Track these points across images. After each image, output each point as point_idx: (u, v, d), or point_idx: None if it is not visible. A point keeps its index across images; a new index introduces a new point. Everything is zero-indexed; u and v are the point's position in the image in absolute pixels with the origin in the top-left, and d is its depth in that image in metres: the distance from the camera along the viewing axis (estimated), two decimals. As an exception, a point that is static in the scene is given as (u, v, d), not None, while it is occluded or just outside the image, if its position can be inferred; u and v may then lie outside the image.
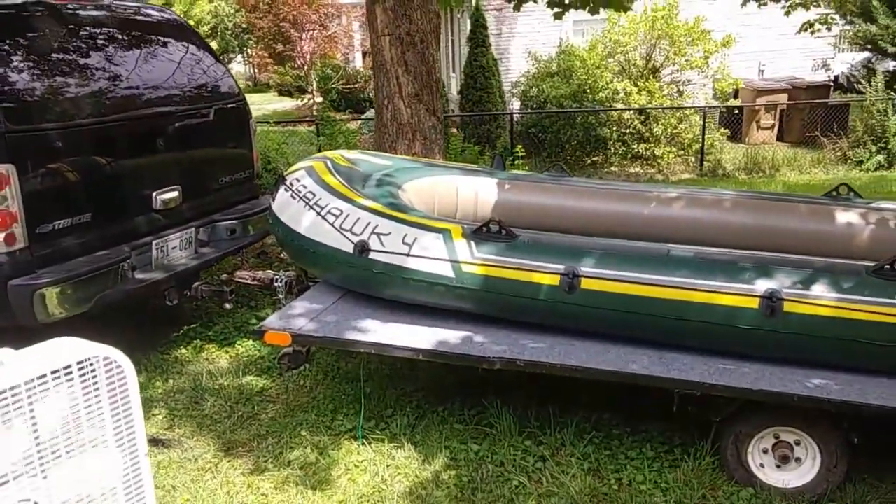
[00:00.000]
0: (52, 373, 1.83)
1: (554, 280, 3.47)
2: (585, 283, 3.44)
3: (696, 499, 3.41)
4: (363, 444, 3.89)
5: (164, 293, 4.82)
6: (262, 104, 21.96)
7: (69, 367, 1.85)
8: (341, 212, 3.89)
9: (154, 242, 4.74)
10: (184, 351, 5.06)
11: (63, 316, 4.13)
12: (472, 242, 3.63)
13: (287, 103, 21.64)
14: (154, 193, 4.75)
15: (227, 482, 3.63)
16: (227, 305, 5.19)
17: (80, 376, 1.88)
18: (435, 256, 3.63)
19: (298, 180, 4.21)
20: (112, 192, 4.50)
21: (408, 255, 3.67)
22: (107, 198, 4.46)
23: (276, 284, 4.73)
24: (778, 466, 3.42)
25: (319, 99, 17.61)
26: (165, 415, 4.28)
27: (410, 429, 4.00)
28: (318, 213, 3.94)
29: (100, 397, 1.92)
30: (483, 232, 3.66)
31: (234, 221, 5.26)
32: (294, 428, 4.07)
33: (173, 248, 4.88)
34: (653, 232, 4.39)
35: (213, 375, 4.68)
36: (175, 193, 4.88)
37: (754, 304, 3.26)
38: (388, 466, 3.70)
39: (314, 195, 4.03)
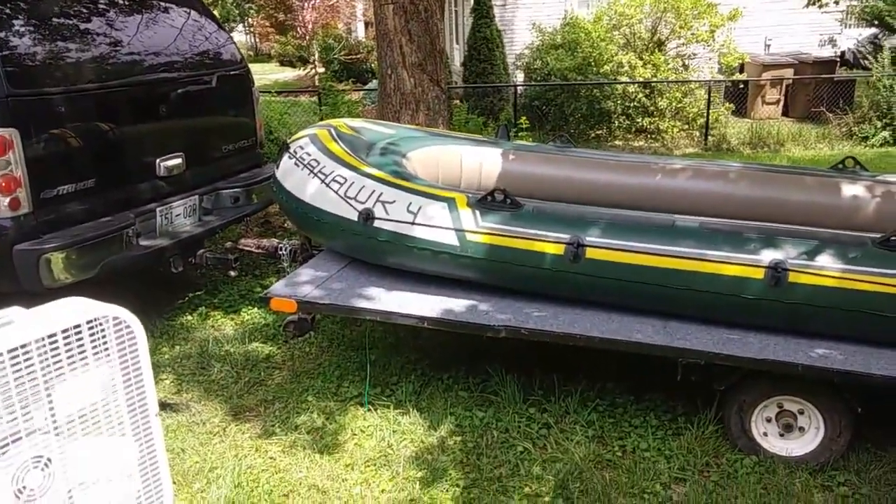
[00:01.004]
0: (63, 332, 1.84)
1: (559, 249, 3.47)
2: (590, 253, 3.44)
3: (699, 466, 3.44)
4: (369, 410, 3.92)
5: (169, 260, 4.83)
6: (263, 74, 21.82)
7: (79, 326, 1.85)
8: (346, 180, 3.88)
9: (158, 209, 4.74)
10: (189, 318, 5.08)
11: (69, 281, 4.15)
12: (477, 211, 3.63)
13: (289, 73, 21.49)
14: (157, 160, 4.74)
15: (236, 445, 3.66)
16: (232, 273, 5.20)
17: (90, 335, 1.88)
18: (439, 225, 3.63)
19: (302, 148, 4.20)
20: (116, 159, 4.49)
21: (412, 223, 3.67)
22: (111, 164, 4.45)
23: (280, 252, 4.74)
24: (781, 435, 3.44)
25: (321, 69, 17.48)
26: (173, 380, 4.30)
27: (416, 396, 4.02)
28: (323, 181, 3.92)
29: (110, 356, 1.92)
30: (488, 201, 3.65)
31: (237, 189, 5.26)
32: (300, 394, 4.10)
33: (177, 215, 4.88)
34: (658, 203, 4.38)
35: (219, 342, 4.71)
36: (178, 160, 4.87)
37: (759, 274, 3.26)
38: (394, 432, 3.73)
39: (318, 163, 4.02)
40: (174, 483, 3.34)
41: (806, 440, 3.41)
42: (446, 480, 3.37)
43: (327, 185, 3.91)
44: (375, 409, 3.91)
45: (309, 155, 4.12)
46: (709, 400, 3.64)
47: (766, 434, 3.46)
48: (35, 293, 4.08)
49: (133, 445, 2.00)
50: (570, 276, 3.51)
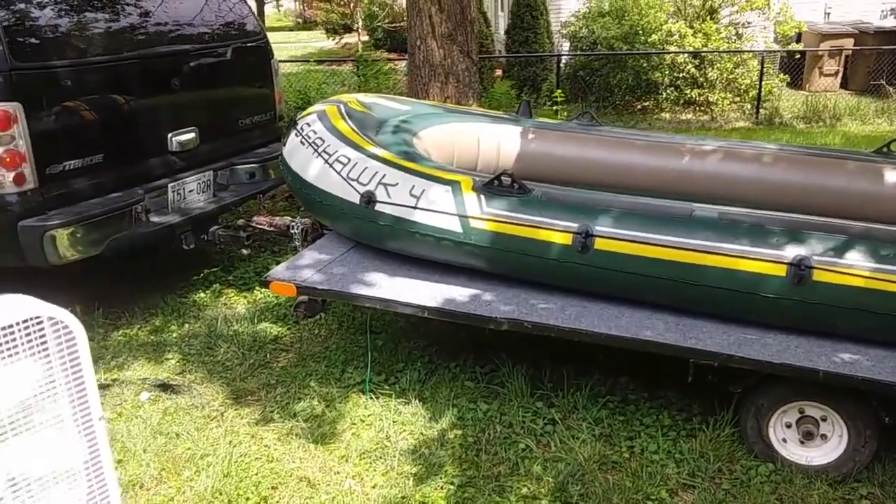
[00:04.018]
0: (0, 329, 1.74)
1: (566, 239, 3.27)
2: (599, 244, 3.22)
3: (710, 472, 3.24)
4: (371, 398, 3.80)
5: (181, 237, 4.77)
6: (308, 42, 21.75)
7: (11, 326, 1.75)
8: (349, 160, 3.72)
9: (170, 185, 4.67)
10: (202, 295, 5.02)
11: (75, 258, 4.12)
12: (482, 196, 3.43)
13: (333, 42, 21.33)
14: (169, 135, 4.65)
15: (231, 431, 3.59)
16: (244, 251, 5.12)
17: (25, 336, 1.78)
18: (442, 210, 3.45)
19: (309, 125, 4.05)
20: (125, 134, 4.42)
21: (414, 207, 3.50)
22: (120, 139, 4.38)
23: (292, 231, 4.62)
24: (801, 442, 3.21)
25: (365, 38, 17.28)
26: (178, 359, 4.25)
27: (420, 384, 3.89)
28: (326, 161, 3.78)
29: (48, 357, 1.82)
30: (494, 185, 3.45)
31: (253, 165, 5.16)
32: (304, 378, 4.01)
33: (190, 191, 4.80)
34: (685, 187, 4.14)
35: (228, 321, 4.64)
36: (192, 135, 4.78)
37: (781, 271, 3.01)
38: (394, 422, 3.61)
39: (323, 141, 3.87)
40: (163, 470, 3.29)
41: (828, 449, 3.17)
42: (442, 477, 3.23)
43: (330, 166, 3.76)
44: (377, 398, 3.79)
45: (315, 133, 3.97)
46: (727, 400, 3.42)
47: (784, 441, 3.24)
48: (41, 269, 4.07)
49: (75, 448, 1.90)
50: (578, 267, 3.31)
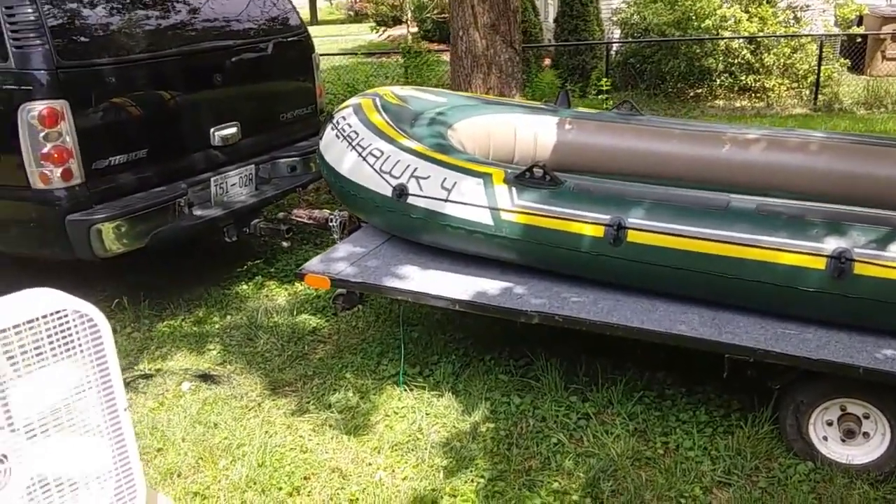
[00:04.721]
0: (20, 324, 1.79)
1: (598, 231, 3.22)
2: (632, 236, 3.17)
3: (747, 470, 3.16)
4: (405, 390, 3.82)
5: (223, 230, 4.86)
6: (359, 34, 21.88)
7: (37, 319, 1.81)
8: (382, 153, 3.74)
9: (213, 179, 4.76)
10: (244, 287, 5.11)
11: (121, 251, 4.23)
12: (514, 188, 3.41)
13: (384, 34, 21.40)
14: (212, 130, 4.74)
15: (268, 422, 3.65)
16: (285, 244, 5.19)
17: (50, 329, 1.83)
18: (474, 203, 3.44)
19: (344, 118, 4.07)
20: (168, 129, 4.52)
21: (446, 200, 3.49)
22: (163, 134, 4.48)
23: (331, 224, 4.67)
24: (843, 440, 3.11)
25: (414, 29, 17.28)
26: (219, 350, 4.34)
27: (454, 377, 3.89)
28: (360, 154, 3.79)
29: (74, 351, 1.88)
30: (526, 177, 3.42)
31: (295, 158, 5.22)
32: (340, 370, 4.05)
33: (232, 184, 4.89)
34: (727, 177, 4.05)
35: (269, 312, 4.71)
36: (234, 130, 4.86)
37: (821, 264, 2.92)
38: (427, 415, 3.62)
39: (357, 135, 3.89)
40: (200, 459, 3.36)
41: (870, 447, 3.07)
42: (472, 470, 3.23)
43: (364, 159, 3.78)
44: (411, 390, 3.81)
45: (350, 126, 4.00)
46: (766, 396, 3.33)
47: (825, 438, 3.14)
48: (88, 261, 4.20)
49: (101, 443, 1.95)
50: (610, 260, 3.26)
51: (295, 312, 4.71)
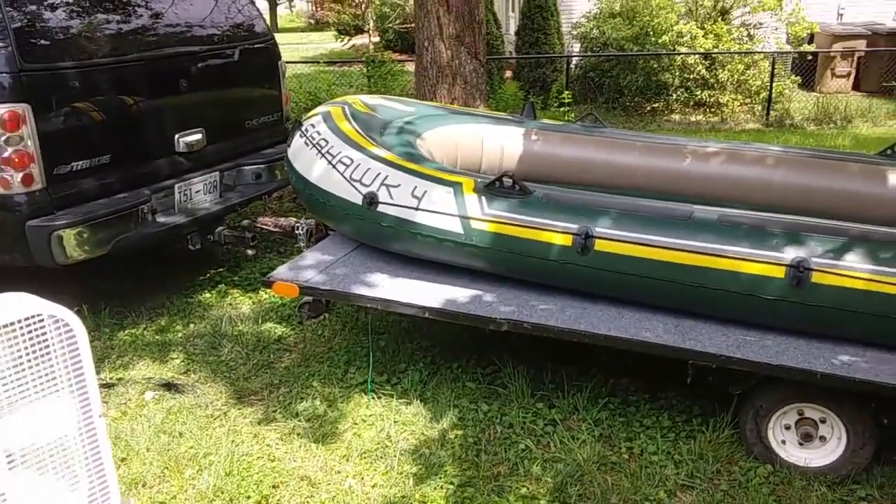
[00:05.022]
0: (3, 326, 1.77)
1: (566, 240, 3.28)
2: (599, 245, 3.24)
3: (709, 473, 3.24)
4: (373, 398, 3.83)
5: (187, 237, 4.81)
6: (320, 43, 21.84)
7: (13, 323, 1.79)
8: (352, 161, 3.75)
9: (177, 186, 4.71)
10: (208, 295, 5.06)
11: (82, 258, 4.17)
12: (483, 198, 3.46)
13: (348, 44, 21.42)
14: (176, 136, 4.70)
15: (234, 430, 3.62)
16: (249, 252, 5.16)
17: (27, 334, 1.81)
18: (444, 211, 3.48)
19: (313, 126, 4.08)
20: (132, 134, 4.47)
21: (416, 208, 3.53)
22: (127, 140, 4.43)
23: (297, 232, 4.66)
24: (800, 444, 3.21)
25: (376, 38, 17.33)
26: (183, 359, 4.29)
27: (422, 385, 3.91)
28: (329, 162, 3.81)
29: (49, 356, 1.86)
30: (495, 187, 3.47)
31: (260, 166, 5.20)
32: (307, 378, 4.04)
33: (196, 191, 4.85)
34: (688, 189, 4.15)
35: (233, 321, 4.68)
36: (198, 136, 4.82)
37: (780, 273, 3.02)
38: (395, 422, 3.63)
39: (327, 142, 3.90)
40: (166, 469, 3.32)
41: (827, 451, 3.17)
42: (441, 477, 3.25)
43: (333, 167, 3.79)
44: (379, 398, 3.82)
45: (319, 134, 4.00)
46: (727, 402, 3.42)
47: (783, 442, 3.24)
48: (49, 269, 4.12)
49: (76, 449, 1.93)
50: (578, 268, 3.32)
51: (260, 321, 4.69)
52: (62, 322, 1.88)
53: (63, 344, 1.89)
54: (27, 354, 1.82)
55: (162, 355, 4.32)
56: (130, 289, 5.06)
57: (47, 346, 1.88)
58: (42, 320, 1.86)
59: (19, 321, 1.82)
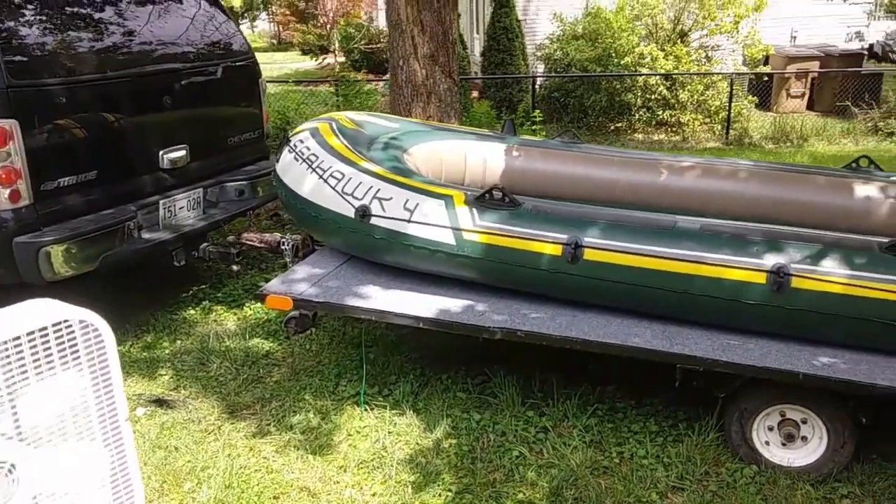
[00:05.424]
0: (27, 334, 1.80)
1: (556, 250, 3.39)
2: (588, 254, 3.35)
3: (697, 475, 3.36)
4: (365, 410, 3.87)
5: (172, 253, 4.82)
6: (284, 63, 21.86)
7: (45, 328, 1.82)
8: (343, 175, 3.82)
9: (161, 202, 4.72)
10: (192, 311, 5.06)
11: (69, 274, 4.15)
12: (475, 209, 3.55)
13: (310, 63, 21.49)
14: (161, 152, 4.72)
15: (229, 444, 3.63)
16: (235, 267, 5.18)
17: (56, 338, 1.85)
18: (436, 223, 3.56)
19: (302, 142, 4.14)
20: (118, 151, 4.48)
21: (409, 221, 3.61)
22: (112, 156, 4.44)
23: (283, 247, 4.68)
24: (783, 444, 3.35)
25: (342, 59, 17.42)
26: (171, 375, 4.29)
27: (413, 396, 3.97)
28: (321, 177, 3.87)
29: (79, 360, 1.89)
30: (486, 199, 3.57)
31: (242, 182, 5.23)
32: (298, 392, 4.07)
33: (180, 208, 4.86)
34: (665, 202, 4.29)
35: (220, 337, 4.69)
36: (182, 153, 4.84)
37: (761, 278, 3.16)
38: (389, 433, 3.68)
39: (317, 157, 3.96)
40: (164, 483, 3.33)
41: (808, 450, 3.31)
42: (439, 485, 3.32)
43: (325, 181, 3.86)
44: (372, 410, 3.87)
45: (308, 149, 4.07)
46: (711, 406, 3.55)
47: (767, 443, 3.37)
48: (36, 286, 4.09)
49: (103, 452, 1.96)
50: (568, 277, 3.43)
51: (247, 336, 4.70)
52: (91, 326, 1.92)
53: (92, 348, 1.93)
54: (61, 359, 1.85)
55: (150, 372, 4.31)
56: (114, 306, 5.01)
57: (77, 351, 1.91)
58: (70, 325, 1.90)
59: (51, 326, 1.85)
